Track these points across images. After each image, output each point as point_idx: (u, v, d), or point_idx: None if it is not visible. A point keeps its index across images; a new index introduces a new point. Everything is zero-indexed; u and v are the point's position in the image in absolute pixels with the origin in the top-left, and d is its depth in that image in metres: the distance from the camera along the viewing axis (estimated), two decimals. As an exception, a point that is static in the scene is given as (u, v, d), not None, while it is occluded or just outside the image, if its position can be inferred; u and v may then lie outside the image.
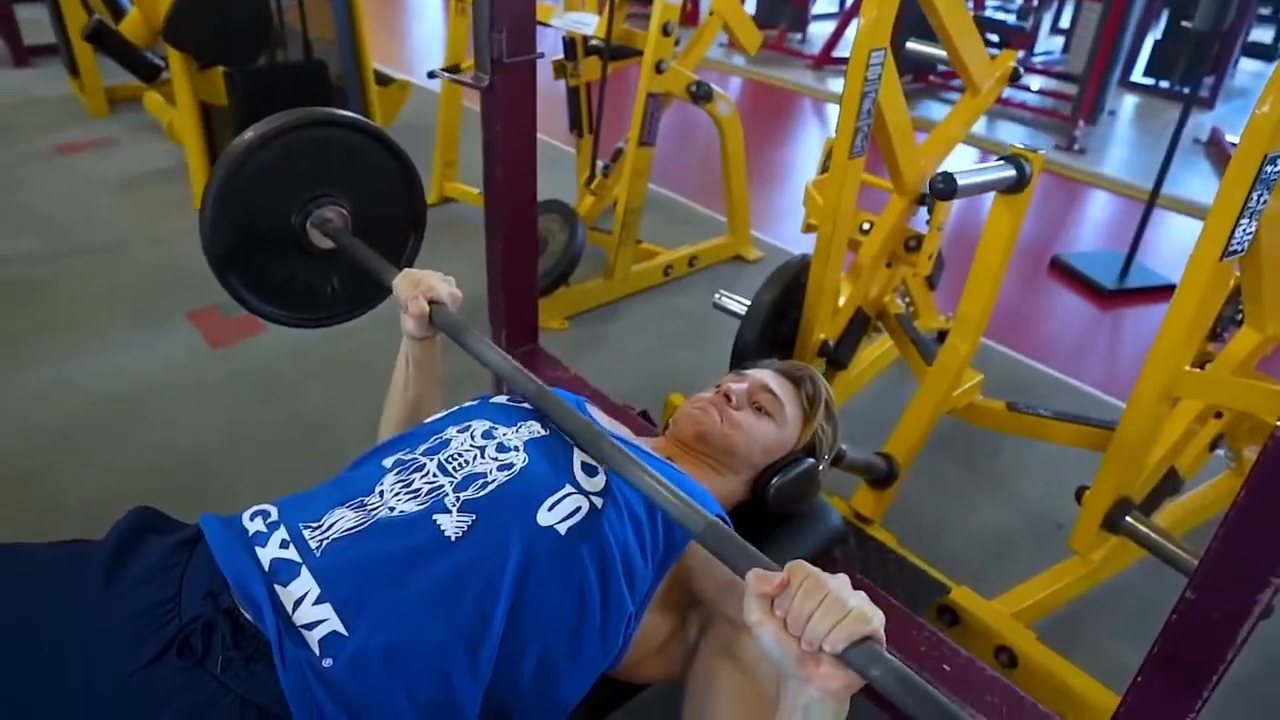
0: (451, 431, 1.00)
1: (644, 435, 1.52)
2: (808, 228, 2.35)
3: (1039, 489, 2.17)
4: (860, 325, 2.19)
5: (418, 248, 1.47)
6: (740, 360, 2.02)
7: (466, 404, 1.10)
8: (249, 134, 1.25)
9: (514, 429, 1.01)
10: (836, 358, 2.13)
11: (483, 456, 0.96)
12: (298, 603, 0.83)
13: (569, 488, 0.93)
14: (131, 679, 0.79)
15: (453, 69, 2.81)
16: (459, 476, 0.93)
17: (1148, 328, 3.06)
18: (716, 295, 2.24)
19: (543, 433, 1.01)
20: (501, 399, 1.10)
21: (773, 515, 1.25)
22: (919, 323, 2.64)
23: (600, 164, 3.05)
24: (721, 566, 0.99)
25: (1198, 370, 1.41)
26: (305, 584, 0.84)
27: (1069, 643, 1.72)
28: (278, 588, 0.84)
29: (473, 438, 0.99)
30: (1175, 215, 4.05)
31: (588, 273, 2.90)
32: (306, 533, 0.89)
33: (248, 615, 0.83)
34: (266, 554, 0.87)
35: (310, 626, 0.82)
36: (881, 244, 2.10)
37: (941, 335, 2.78)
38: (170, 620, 0.83)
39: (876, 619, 0.69)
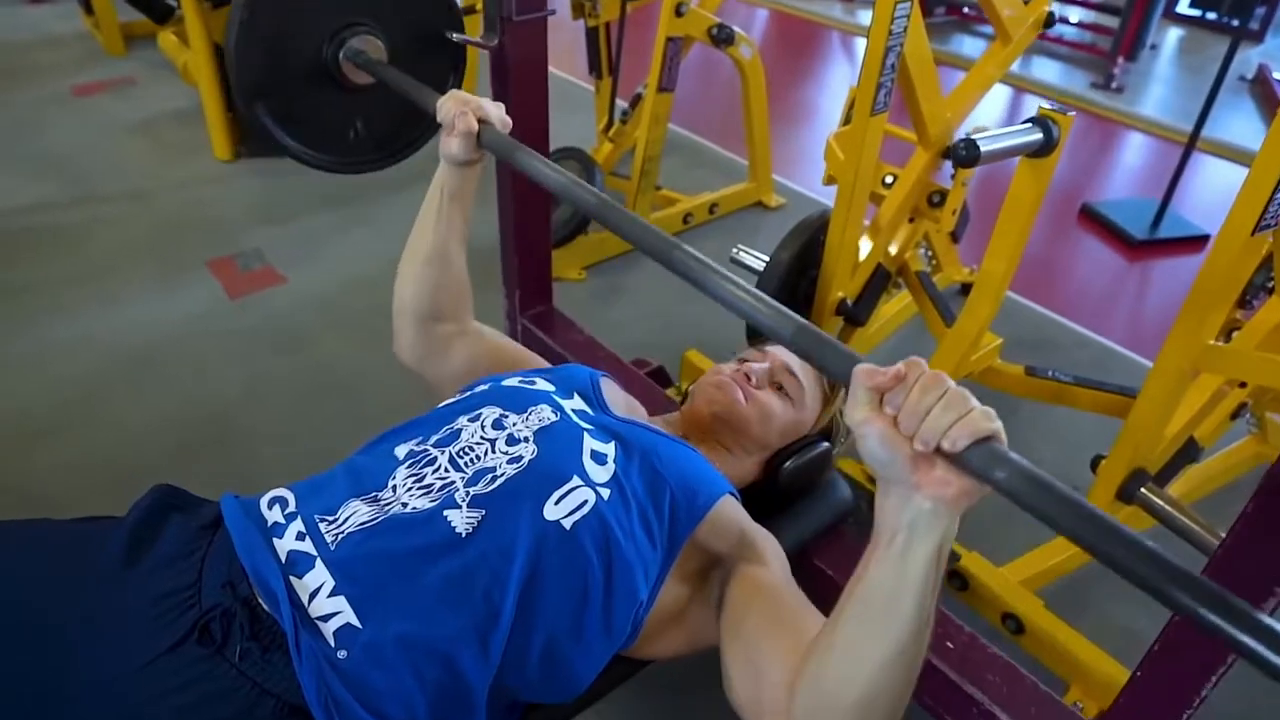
0: (463, 421, 1.00)
1: (659, 410, 1.52)
2: (829, 180, 2.30)
3: (1056, 451, 2.16)
4: (880, 281, 2.15)
5: (460, 83, 1.41)
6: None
7: (478, 388, 1.09)
8: None
9: (524, 416, 1.00)
10: (855, 315, 2.10)
11: (493, 450, 0.96)
12: (313, 594, 0.84)
13: (576, 479, 0.93)
14: (152, 664, 0.81)
15: (469, 9, 2.74)
16: (470, 472, 0.93)
17: (1176, 281, 2.99)
18: (734, 250, 2.21)
19: (553, 418, 1.01)
20: (513, 380, 1.10)
21: (783, 492, 1.25)
22: (942, 275, 2.61)
23: (619, 109, 2.99)
24: (736, 524, 1.01)
25: (1221, 345, 1.37)
26: (320, 576, 0.86)
27: (1078, 607, 1.74)
28: (293, 579, 0.86)
29: (483, 428, 0.99)
30: (1215, 160, 3.91)
31: (606, 220, 2.86)
32: (322, 525, 0.90)
33: (265, 606, 0.84)
34: (284, 545, 0.89)
35: (325, 619, 0.83)
36: (904, 199, 2.04)
37: (965, 288, 2.74)
38: (191, 607, 0.85)
39: (998, 422, 0.61)
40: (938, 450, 0.61)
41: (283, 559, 0.88)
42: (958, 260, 2.68)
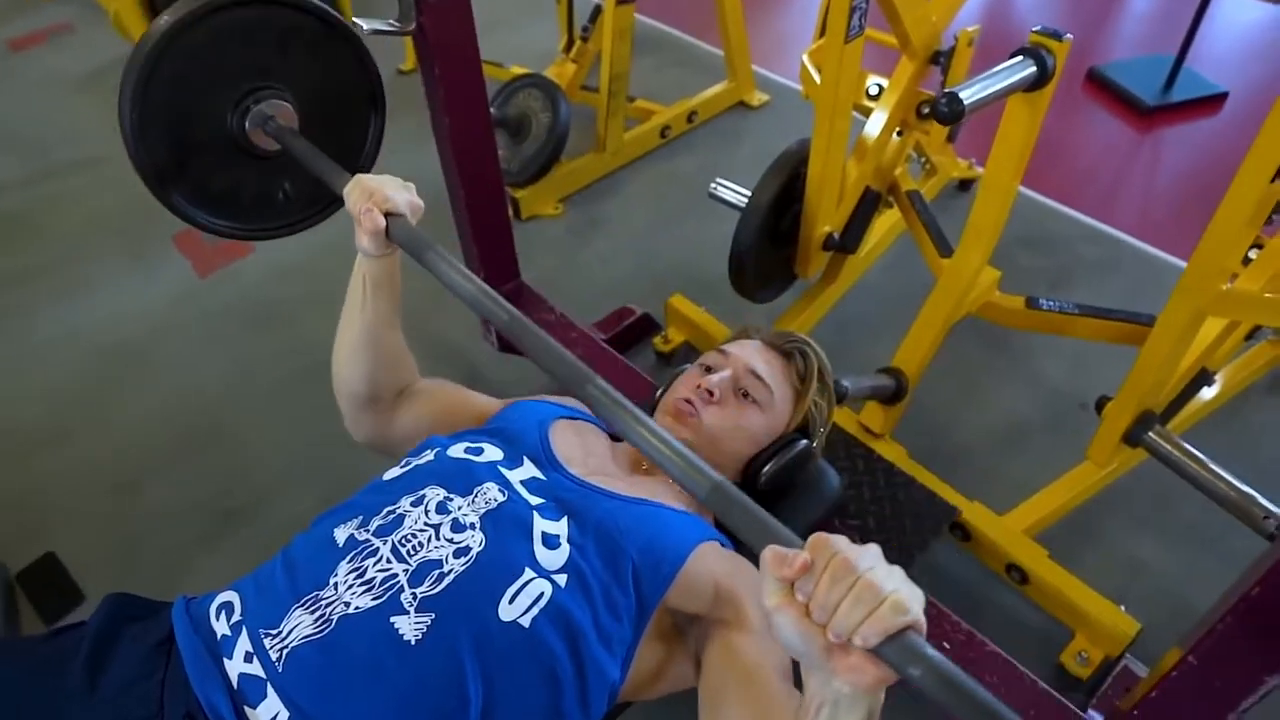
0: (405, 504, 0.94)
1: (644, 395, 1.45)
2: (806, 97, 2.12)
3: (1062, 367, 2.08)
4: (870, 205, 2.02)
5: (381, 131, 1.31)
6: (738, 266, 1.90)
7: (421, 461, 1.03)
8: (161, 22, 1.08)
9: (469, 499, 0.94)
10: (844, 246, 1.99)
11: (437, 538, 0.90)
12: None
13: (529, 572, 0.88)
14: None
15: None
16: (413, 564, 0.88)
17: (1191, 152, 2.80)
18: (713, 185, 2.06)
19: (500, 499, 0.95)
20: (458, 449, 1.03)
21: (764, 495, 1.20)
22: (937, 178, 2.45)
23: (581, 26, 2.75)
24: (709, 580, 0.97)
25: (1235, 289, 1.27)
26: (273, 706, 0.82)
27: (1081, 538, 1.72)
28: (248, 710, 0.83)
29: (426, 513, 0.93)
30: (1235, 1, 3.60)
31: (578, 140, 2.70)
32: (267, 641, 0.86)
33: None
34: (233, 668, 0.86)
35: None
36: (891, 114, 1.89)
37: (963, 184, 2.59)
38: None
39: (915, 606, 0.58)
40: (850, 641, 0.58)
41: (234, 684, 0.85)
42: (954, 157, 2.52)
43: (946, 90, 1.22)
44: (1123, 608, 1.50)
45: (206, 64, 1.11)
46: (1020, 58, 1.30)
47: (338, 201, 1.17)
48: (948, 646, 1.15)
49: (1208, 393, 1.80)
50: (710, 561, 0.98)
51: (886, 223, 2.29)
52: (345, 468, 1.97)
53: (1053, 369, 2.08)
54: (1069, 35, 1.30)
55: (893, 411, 1.73)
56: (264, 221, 1.26)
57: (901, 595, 0.57)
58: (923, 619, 0.58)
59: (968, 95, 1.22)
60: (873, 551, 0.60)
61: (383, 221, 1.01)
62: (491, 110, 2.44)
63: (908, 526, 1.55)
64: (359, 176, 1.06)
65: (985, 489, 1.70)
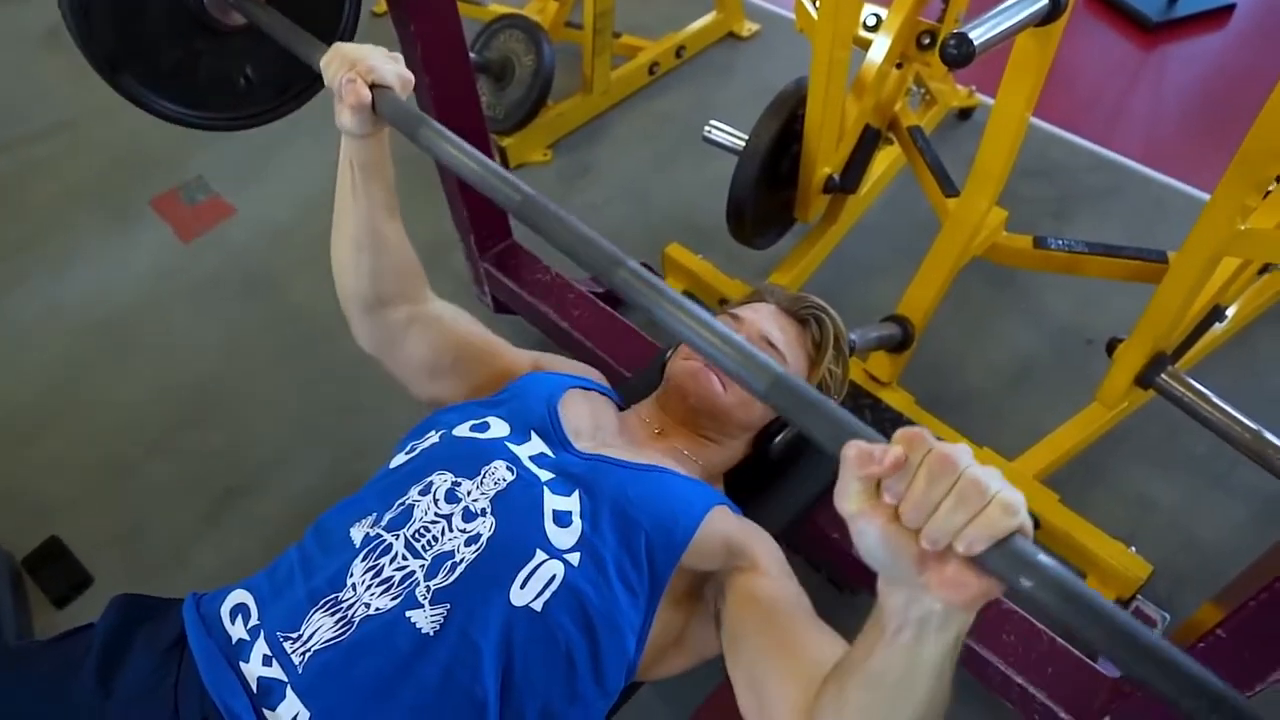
0: (414, 494, 0.92)
1: (641, 361, 1.42)
2: (801, 30, 2.03)
3: (1069, 302, 2.05)
4: (870, 143, 1.96)
5: (357, 14, 1.18)
6: (736, 213, 1.85)
7: (427, 440, 0.99)
8: None
9: (478, 481, 0.92)
10: (844, 186, 1.94)
11: (449, 529, 0.88)
12: None
13: (540, 554, 0.87)
14: None
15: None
16: (428, 558, 0.87)
17: (1196, 70, 2.71)
18: (707, 128, 1.99)
19: (509, 477, 0.92)
20: (463, 428, 0.99)
21: (774, 465, 1.18)
22: (937, 108, 2.37)
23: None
24: (719, 540, 0.95)
25: (1254, 229, 1.23)
26: (293, 707, 0.82)
27: (1091, 477, 1.71)
28: (267, 713, 0.82)
29: (436, 503, 0.91)
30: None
31: (564, 81, 2.59)
32: (287, 645, 0.85)
33: None
34: (251, 670, 0.85)
35: None
36: (890, 46, 1.81)
37: (963, 112, 2.51)
38: None
39: (1023, 508, 0.50)
40: (949, 548, 0.51)
41: (253, 687, 0.84)
42: (954, 85, 2.43)
43: (955, 31, 1.15)
44: (1133, 548, 1.50)
45: None
46: (1031, -10, 1.22)
47: (309, 87, 1.05)
48: (964, 605, 1.14)
49: (1218, 326, 1.78)
50: (720, 524, 0.97)
51: (886, 159, 2.23)
52: (343, 437, 1.96)
53: (1058, 305, 2.05)
54: (1083, -37, 1.23)
55: (899, 359, 1.71)
56: (226, 110, 1.13)
57: (1007, 496, 0.50)
58: (1030, 524, 0.51)
59: (977, 35, 1.15)
60: (966, 450, 0.52)
61: (367, 94, 0.90)
62: (471, 55, 2.34)
63: (917, 477, 1.54)
64: (338, 45, 0.95)
65: (994, 433, 1.69)
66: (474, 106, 1.46)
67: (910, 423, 1.60)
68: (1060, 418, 1.68)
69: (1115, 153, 2.40)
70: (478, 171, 0.81)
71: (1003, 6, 1.20)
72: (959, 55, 1.14)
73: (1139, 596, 1.48)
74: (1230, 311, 1.75)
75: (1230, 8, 2.81)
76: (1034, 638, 1.12)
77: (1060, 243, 1.65)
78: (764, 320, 1.13)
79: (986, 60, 1.36)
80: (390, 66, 0.93)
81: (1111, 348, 1.52)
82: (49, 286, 2.31)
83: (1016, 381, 1.92)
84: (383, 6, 3.11)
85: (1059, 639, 1.13)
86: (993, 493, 0.50)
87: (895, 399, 1.68)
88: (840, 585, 1.47)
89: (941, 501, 0.50)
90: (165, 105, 1.08)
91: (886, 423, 1.62)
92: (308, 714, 0.81)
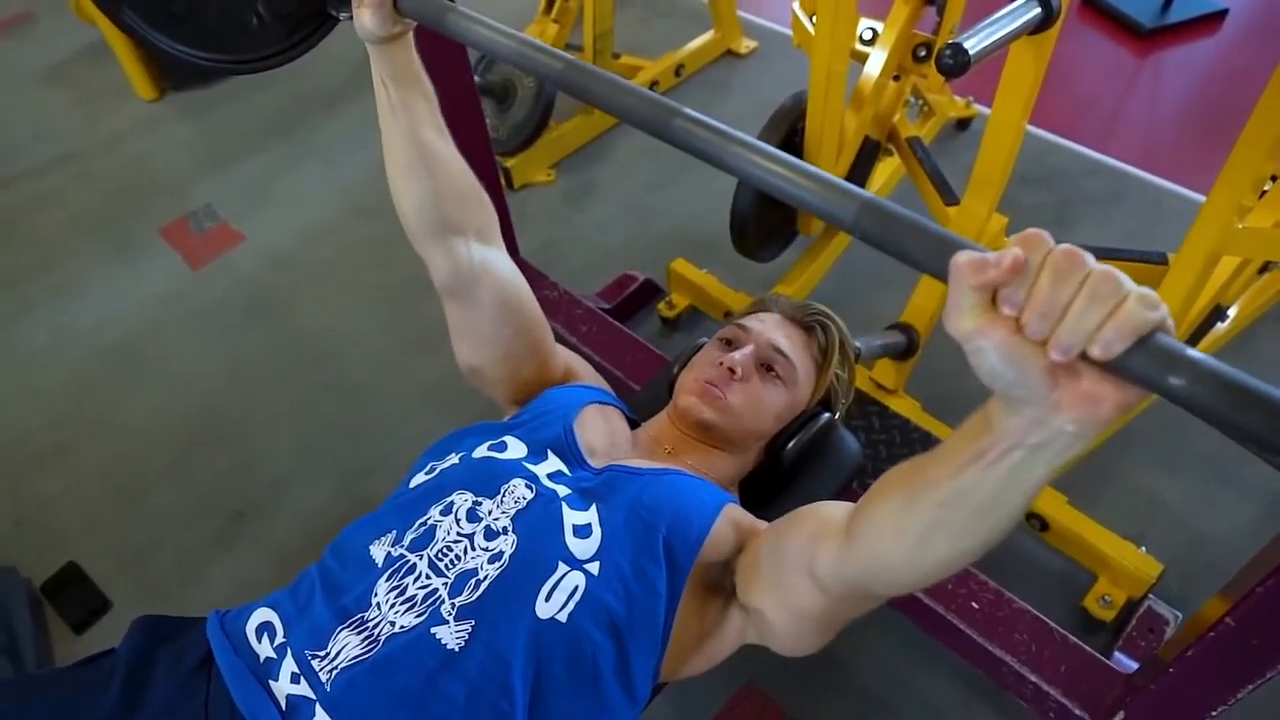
0: (435, 514, 0.93)
1: (650, 371, 1.43)
2: (799, 45, 2.06)
3: (1071, 305, 2.06)
4: (870, 154, 1.99)
5: None
6: (740, 227, 1.87)
7: (445, 465, 1.01)
8: None
9: (498, 500, 0.93)
10: (846, 198, 1.95)
11: (472, 548, 0.90)
12: None
13: (563, 566, 0.88)
14: None
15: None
16: (452, 576, 0.88)
17: (1191, 75, 2.73)
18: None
19: (529, 495, 0.94)
20: (482, 449, 1.01)
21: (787, 472, 1.19)
22: (935, 119, 2.40)
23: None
24: (730, 530, 0.97)
25: (1253, 228, 1.24)
26: None
27: (1099, 478, 1.72)
28: None
29: (458, 522, 0.92)
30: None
31: (566, 103, 2.63)
32: (315, 663, 0.86)
33: None
34: (280, 689, 0.85)
35: None
36: (887, 58, 1.84)
37: (961, 123, 2.54)
38: None
39: (1163, 307, 0.45)
40: (1083, 356, 0.46)
41: (282, 705, 0.84)
42: (951, 95, 2.46)
43: (950, 41, 1.17)
44: (1143, 548, 1.50)
45: None
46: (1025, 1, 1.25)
47: (320, 27, 1.02)
48: (976, 607, 1.15)
49: (1220, 326, 1.79)
50: (733, 519, 0.98)
51: (886, 169, 2.25)
52: (350, 457, 1.98)
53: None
54: (1073, -28, 1.25)
55: (905, 366, 1.72)
56: (236, 51, 1.07)
57: (1144, 289, 0.44)
58: (1171, 321, 0.45)
59: (972, 44, 1.18)
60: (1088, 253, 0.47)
61: None
62: (475, 78, 2.38)
63: (926, 482, 1.55)
64: None
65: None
66: (478, 122, 1.49)
67: (918, 429, 1.62)
68: (1067, 421, 1.69)
69: (1113, 158, 2.42)
70: (514, 47, 0.77)
71: (996, 15, 1.22)
72: (955, 65, 1.17)
73: (1150, 595, 1.48)
74: (1232, 312, 1.76)
75: (1223, 13, 2.83)
76: (1046, 636, 1.13)
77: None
78: (771, 330, 1.15)
79: (983, 70, 1.38)
80: None
81: (1115, 349, 1.53)
82: (57, 314, 2.34)
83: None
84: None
85: (1071, 636, 1.14)
86: (1128, 286, 0.44)
87: (902, 406, 1.69)
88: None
89: (1071, 302, 0.45)
90: (172, 44, 1.00)
91: (894, 430, 1.63)
92: None
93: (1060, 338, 0.45)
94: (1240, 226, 1.24)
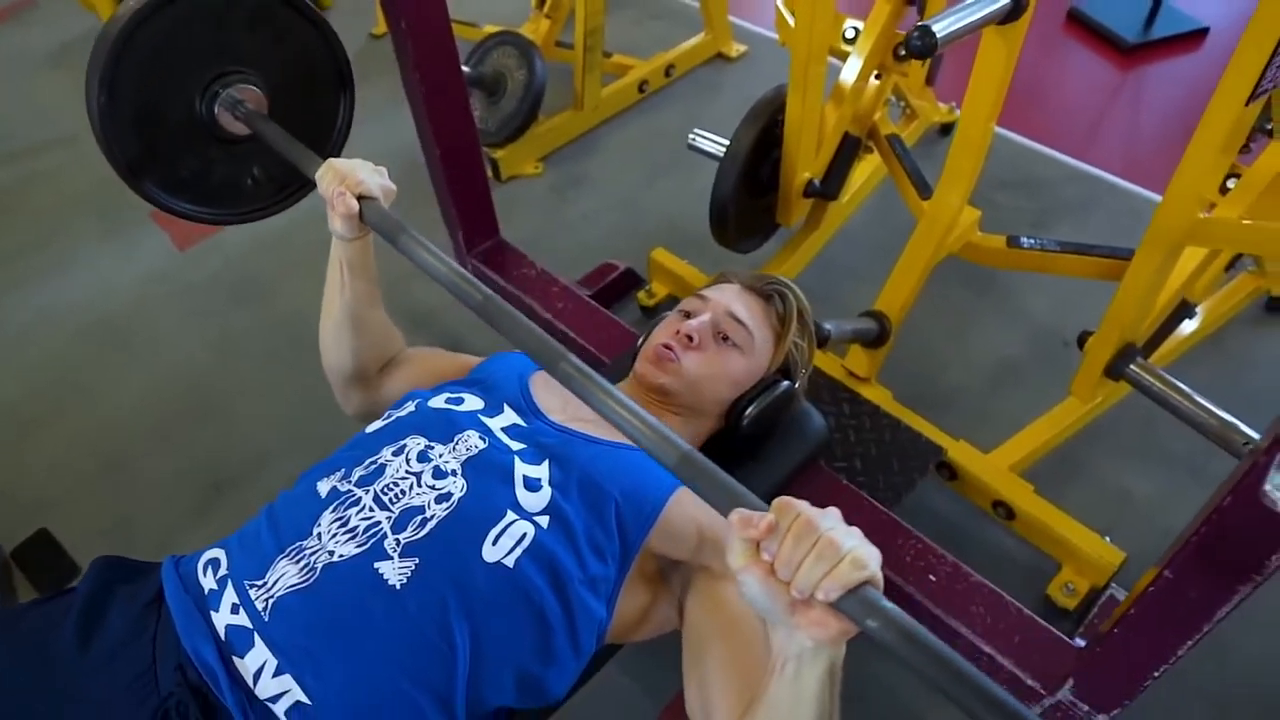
0: (386, 454, 0.95)
1: (623, 347, 1.45)
2: (783, 43, 2.10)
3: (1046, 303, 2.09)
4: (850, 151, 2.01)
5: (350, 113, 1.31)
6: (719, 215, 1.89)
7: (402, 413, 1.03)
8: (129, 8, 1.06)
9: (450, 446, 0.95)
10: (825, 192, 1.98)
11: (419, 485, 0.91)
12: (257, 674, 0.83)
13: (511, 514, 0.89)
14: None
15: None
16: (396, 511, 0.89)
17: (1171, 89, 2.78)
18: (691, 135, 2.05)
19: (481, 445, 0.95)
20: (440, 399, 1.03)
21: (747, 438, 1.20)
22: (918, 122, 2.44)
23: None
24: (692, 525, 0.98)
25: (1214, 218, 1.27)
26: (260, 655, 0.83)
27: (1068, 472, 1.73)
28: (235, 660, 0.84)
29: (408, 462, 0.93)
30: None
31: (556, 99, 2.67)
32: (253, 592, 0.87)
33: (214, 692, 0.83)
34: (220, 620, 0.86)
35: (274, 699, 0.82)
36: (868, 57, 1.87)
37: (944, 129, 2.57)
38: (149, 695, 0.84)
39: (873, 562, 0.61)
40: (813, 597, 0.62)
41: (222, 636, 0.85)
42: (934, 101, 2.50)
43: (919, 24, 1.20)
44: (1107, 538, 1.52)
45: (173, 49, 1.10)
46: (994, -12, 1.28)
47: (309, 185, 1.17)
48: (934, 579, 1.16)
49: (1190, 326, 1.82)
50: (691, 507, 0.98)
51: (867, 169, 2.28)
52: (333, 437, 1.95)
53: (1037, 307, 2.09)
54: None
55: (877, 355, 1.74)
56: (235, 206, 1.26)
57: (860, 552, 0.61)
58: (880, 576, 0.62)
59: (940, 28, 1.21)
60: (834, 513, 0.64)
61: (355, 205, 1.01)
62: (465, 69, 2.41)
63: (894, 467, 1.57)
64: (331, 160, 1.06)
65: (973, 429, 1.71)
66: (463, 105, 1.51)
67: (888, 415, 1.64)
68: (1038, 415, 1.71)
69: (1093, 166, 2.46)
70: (445, 272, 0.92)
71: (965, 3, 1.25)
72: (922, 47, 1.20)
73: (1112, 584, 1.49)
74: (1200, 309, 1.79)
75: (1204, 31, 2.89)
76: (1001, 609, 1.14)
77: (1032, 241, 1.70)
78: (729, 299, 1.17)
79: (966, 76, 1.42)
80: (375, 179, 1.04)
81: (1083, 341, 1.55)
82: (47, 290, 2.36)
83: (997, 381, 1.95)
84: (381, 28, 3.20)
85: (1025, 610, 1.15)
86: (845, 551, 0.61)
87: (874, 394, 1.71)
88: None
89: (804, 559, 0.61)
90: (182, 206, 1.20)
91: (865, 416, 1.65)
92: (275, 662, 0.83)
93: (796, 583, 0.62)
94: (1203, 216, 1.27)
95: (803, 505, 0.64)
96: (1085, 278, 1.67)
